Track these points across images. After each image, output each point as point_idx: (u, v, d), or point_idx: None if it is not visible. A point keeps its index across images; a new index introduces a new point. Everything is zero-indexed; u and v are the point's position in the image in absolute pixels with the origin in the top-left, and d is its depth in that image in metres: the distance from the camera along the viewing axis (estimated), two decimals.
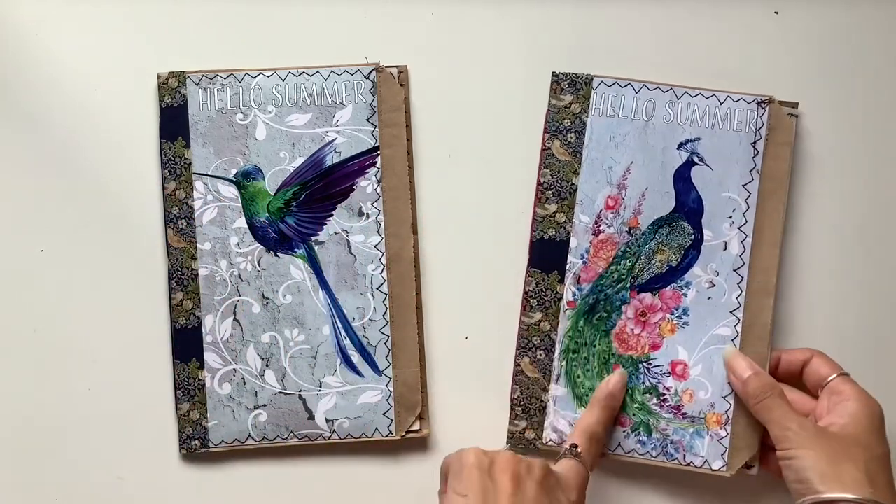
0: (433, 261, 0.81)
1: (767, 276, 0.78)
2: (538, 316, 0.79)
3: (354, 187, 0.79)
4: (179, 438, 0.79)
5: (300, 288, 0.79)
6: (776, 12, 0.81)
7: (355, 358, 0.79)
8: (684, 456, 0.78)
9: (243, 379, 0.79)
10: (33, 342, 0.79)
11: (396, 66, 0.80)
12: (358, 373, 0.79)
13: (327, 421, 0.79)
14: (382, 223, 0.79)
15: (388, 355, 0.79)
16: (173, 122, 0.79)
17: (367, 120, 0.79)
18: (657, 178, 0.78)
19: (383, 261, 0.79)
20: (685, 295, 0.78)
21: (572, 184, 0.79)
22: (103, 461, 0.79)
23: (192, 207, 0.79)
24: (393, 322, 0.79)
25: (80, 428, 0.79)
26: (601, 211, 0.78)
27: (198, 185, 0.79)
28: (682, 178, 0.78)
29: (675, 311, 0.78)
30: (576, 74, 0.79)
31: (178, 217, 0.79)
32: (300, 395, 0.79)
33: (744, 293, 0.78)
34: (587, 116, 0.79)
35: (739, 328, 0.77)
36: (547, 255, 0.79)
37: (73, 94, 0.80)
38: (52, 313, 0.79)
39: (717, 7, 0.81)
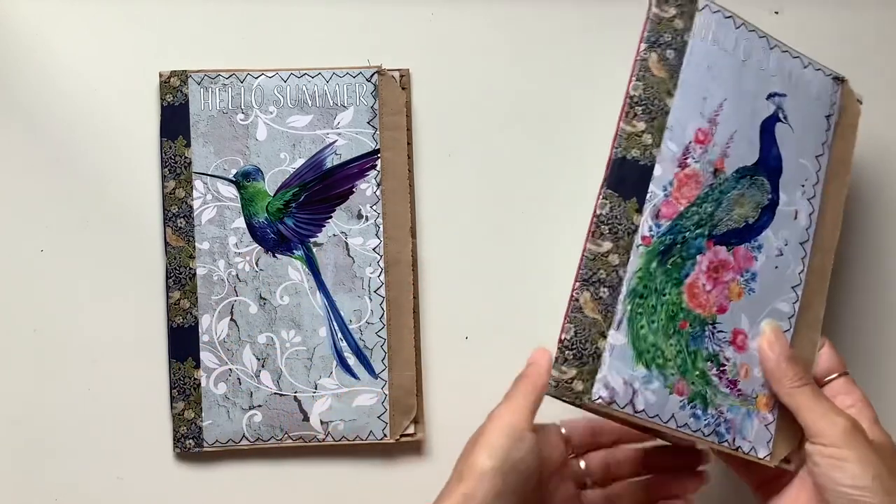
0: (433, 261, 0.80)
1: (826, 258, 0.73)
2: (608, 246, 0.69)
3: (354, 190, 0.79)
4: (174, 437, 0.78)
5: (298, 289, 0.79)
6: (776, 12, 0.81)
7: (351, 360, 0.79)
8: (734, 439, 0.70)
9: (239, 379, 0.78)
10: (33, 342, 0.79)
11: (398, 70, 0.80)
12: (354, 375, 0.78)
13: (322, 423, 0.78)
14: (381, 226, 0.79)
15: (384, 358, 0.79)
16: (174, 121, 0.79)
17: (368, 123, 0.79)
18: (746, 123, 0.72)
19: (381, 264, 0.79)
20: (756, 258, 0.72)
21: (665, 104, 0.71)
22: (100, 460, 0.79)
23: (191, 206, 0.79)
24: (390, 325, 0.79)
25: (78, 427, 0.79)
26: (690, 143, 0.71)
27: (197, 184, 0.79)
28: (767, 130, 0.73)
29: (745, 274, 0.72)
30: None
31: (177, 216, 0.79)
32: (295, 397, 0.78)
33: (805, 269, 0.73)
34: (689, 37, 0.72)
35: (797, 307, 0.72)
36: (627, 177, 0.69)
37: (73, 93, 0.80)
38: (51, 313, 0.79)
39: None
